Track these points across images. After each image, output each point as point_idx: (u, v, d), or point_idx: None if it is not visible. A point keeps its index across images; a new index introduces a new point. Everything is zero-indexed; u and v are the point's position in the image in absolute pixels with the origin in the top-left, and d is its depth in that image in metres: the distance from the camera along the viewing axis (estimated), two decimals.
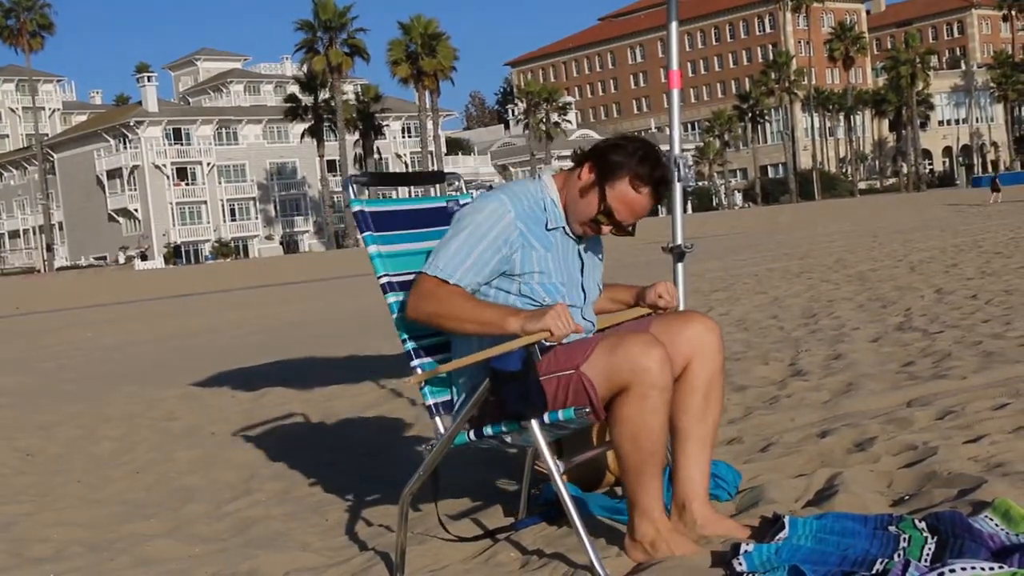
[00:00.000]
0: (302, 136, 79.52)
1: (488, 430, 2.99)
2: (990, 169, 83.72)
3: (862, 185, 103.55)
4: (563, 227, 3.11)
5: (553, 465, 2.89)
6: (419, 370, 3.14)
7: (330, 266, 41.71)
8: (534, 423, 2.87)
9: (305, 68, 75.65)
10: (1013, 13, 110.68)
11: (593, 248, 3.24)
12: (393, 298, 3.16)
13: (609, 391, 2.86)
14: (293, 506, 4.31)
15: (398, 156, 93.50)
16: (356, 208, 3.19)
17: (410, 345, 3.15)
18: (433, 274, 2.98)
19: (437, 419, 3.13)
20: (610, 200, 3.03)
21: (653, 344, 2.85)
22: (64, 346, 14.58)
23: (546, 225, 3.09)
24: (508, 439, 3.04)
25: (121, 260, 76.42)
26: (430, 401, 3.16)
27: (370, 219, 3.19)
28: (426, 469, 3.09)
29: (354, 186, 3.32)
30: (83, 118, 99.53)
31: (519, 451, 3.67)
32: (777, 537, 2.74)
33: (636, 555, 2.91)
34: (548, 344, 2.92)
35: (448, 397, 3.19)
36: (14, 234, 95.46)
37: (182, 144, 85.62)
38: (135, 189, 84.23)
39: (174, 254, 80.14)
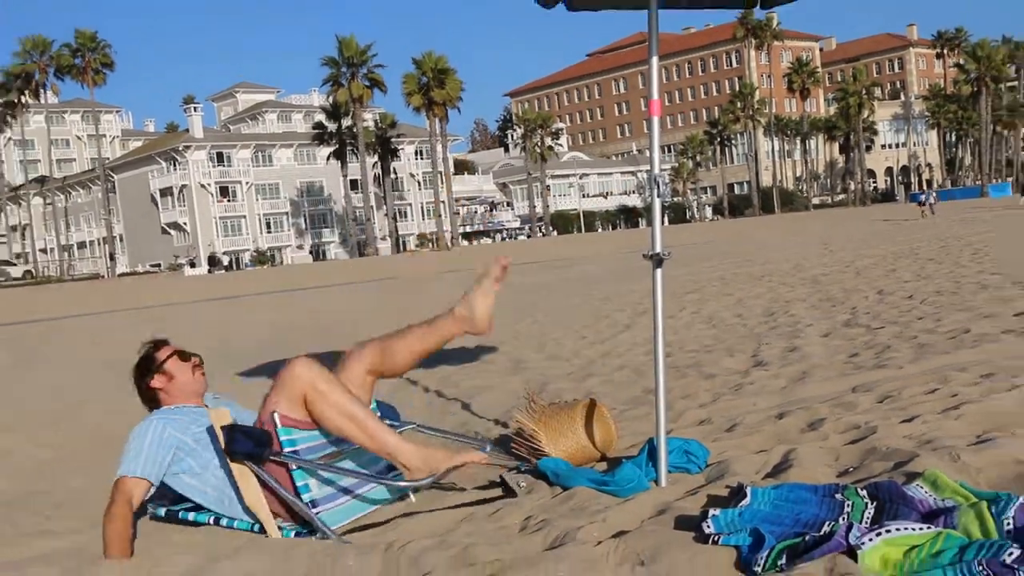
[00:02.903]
0: (328, 158, 79.46)
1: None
2: (925, 187, 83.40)
3: (815, 201, 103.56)
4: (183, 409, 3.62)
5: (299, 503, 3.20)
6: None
7: (352, 272, 41.67)
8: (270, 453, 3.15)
9: (330, 99, 75.50)
10: (945, 51, 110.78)
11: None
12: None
13: (303, 408, 3.23)
14: None
15: (411, 175, 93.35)
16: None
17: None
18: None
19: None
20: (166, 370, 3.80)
21: (294, 360, 3.28)
22: (122, 344, 14.56)
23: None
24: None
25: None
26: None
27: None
28: None
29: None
30: (139, 143, 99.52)
31: (505, 443, 3.68)
32: (740, 504, 2.78)
33: (418, 476, 3.19)
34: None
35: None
36: (81, 245, 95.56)
37: (224, 166, 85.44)
38: (184, 205, 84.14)
39: (210, 263, 76.80)
